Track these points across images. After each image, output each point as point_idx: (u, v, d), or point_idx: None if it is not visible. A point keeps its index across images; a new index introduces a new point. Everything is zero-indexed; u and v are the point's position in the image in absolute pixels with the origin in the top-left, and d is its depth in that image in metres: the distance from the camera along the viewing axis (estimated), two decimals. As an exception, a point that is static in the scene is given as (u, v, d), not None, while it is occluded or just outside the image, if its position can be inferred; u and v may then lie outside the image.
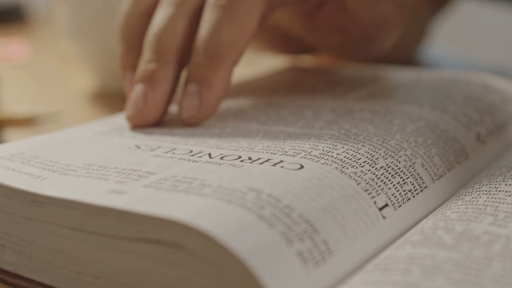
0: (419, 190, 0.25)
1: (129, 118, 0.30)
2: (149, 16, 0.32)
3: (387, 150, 0.26)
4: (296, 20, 0.37)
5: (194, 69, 0.30)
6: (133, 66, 0.32)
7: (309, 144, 0.26)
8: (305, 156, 0.24)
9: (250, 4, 0.30)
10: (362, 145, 0.25)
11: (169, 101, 0.31)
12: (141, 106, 0.30)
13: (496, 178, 0.25)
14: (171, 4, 0.31)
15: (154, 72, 0.30)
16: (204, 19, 0.30)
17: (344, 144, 0.25)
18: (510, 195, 0.23)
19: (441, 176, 0.26)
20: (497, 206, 0.23)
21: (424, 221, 0.23)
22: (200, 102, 0.29)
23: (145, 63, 0.30)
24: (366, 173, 0.24)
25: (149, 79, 0.30)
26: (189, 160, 0.25)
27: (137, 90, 0.30)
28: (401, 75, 0.38)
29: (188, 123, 0.30)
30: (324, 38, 0.38)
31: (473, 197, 0.24)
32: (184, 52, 0.31)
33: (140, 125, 0.30)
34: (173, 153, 0.26)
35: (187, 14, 0.31)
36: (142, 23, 0.32)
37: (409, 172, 0.25)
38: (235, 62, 0.30)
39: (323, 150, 0.25)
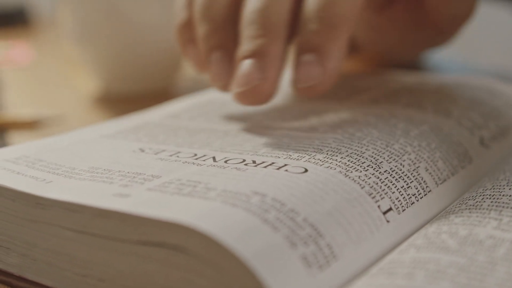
0: (423, 194, 0.25)
1: (242, 95, 0.28)
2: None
3: (391, 154, 0.26)
4: (363, 14, 0.36)
5: (310, 38, 0.29)
6: (221, 46, 0.31)
7: (313, 147, 0.26)
8: (309, 159, 0.24)
9: None
10: (366, 149, 0.26)
11: (280, 77, 0.30)
12: (256, 81, 0.28)
13: (500, 182, 0.25)
14: None
15: (266, 47, 0.28)
16: None
17: (348, 148, 0.25)
18: (514, 200, 0.23)
19: (445, 180, 0.26)
20: (501, 211, 0.23)
21: (428, 225, 0.23)
22: (323, 71, 0.28)
23: (252, 38, 0.29)
24: (370, 177, 0.24)
25: (262, 54, 0.28)
26: (194, 163, 0.25)
27: (248, 65, 0.28)
28: (405, 79, 0.38)
29: (307, 93, 0.29)
30: (385, 34, 0.37)
31: (477, 201, 0.24)
32: (289, 28, 0.30)
33: (255, 102, 0.28)
34: (178, 156, 0.26)
35: None
36: (226, 1, 0.31)
37: (413, 176, 0.25)
38: (349, 34, 0.29)
39: (327, 153, 0.25)
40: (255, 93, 0.28)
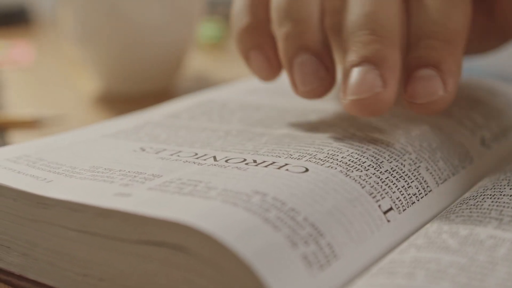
0: (423, 194, 0.25)
1: (361, 104, 0.26)
2: None
3: (392, 153, 0.26)
4: None
5: (427, 53, 0.27)
6: (309, 48, 0.28)
7: (314, 147, 0.26)
8: (310, 159, 0.24)
9: None
10: (367, 149, 0.26)
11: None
12: (378, 88, 0.26)
13: (501, 182, 0.25)
14: None
15: (382, 53, 0.27)
16: (421, 3, 0.28)
17: (349, 148, 0.25)
18: (514, 199, 0.23)
19: (445, 180, 0.26)
20: (501, 210, 0.23)
21: (428, 225, 0.23)
22: (444, 87, 0.27)
23: (365, 44, 0.27)
24: (371, 177, 0.24)
25: (379, 61, 0.26)
26: (194, 162, 0.25)
27: (365, 71, 0.26)
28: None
29: (426, 110, 0.27)
30: None
31: (477, 201, 0.24)
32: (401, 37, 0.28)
33: (375, 111, 0.26)
34: (178, 155, 0.26)
35: None
36: (316, 1, 0.29)
37: (414, 176, 0.25)
38: (464, 47, 0.28)
39: (328, 153, 0.25)
40: (376, 101, 0.26)
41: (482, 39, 0.35)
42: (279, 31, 0.29)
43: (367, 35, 0.27)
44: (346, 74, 0.27)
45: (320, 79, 0.28)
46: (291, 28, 0.29)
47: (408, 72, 0.27)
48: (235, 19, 0.32)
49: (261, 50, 0.31)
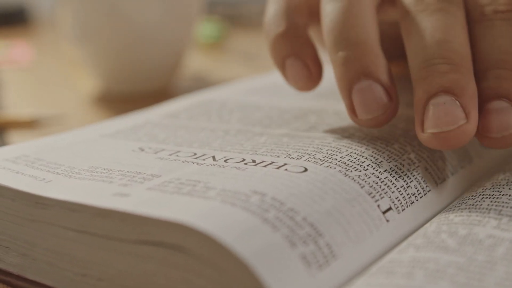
0: (422, 193, 0.25)
1: (441, 136, 0.25)
2: (375, 14, 0.28)
3: (391, 153, 0.26)
4: None
5: (497, 85, 0.26)
6: (367, 74, 0.27)
7: (313, 147, 0.26)
8: (309, 159, 0.24)
9: None
10: (366, 149, 0.26)
11: None
12: (461, 120, 0.24)
13: (500, 182, 0.25)
14: (443, 11, 0.27)
15: (462, 82, 0.25)
16: (486, 30, 0.27)
17: (348, 148, 0.25)
18: (513, 199, 0.23)
19: (444, 180, 0.26)
20: (500, 210, 0.23)
21: (427, 225, 0.23)
22: None
23: (441, 73, 0.25)
24: (370, 177, 0.24)
25: (460, 91, 0.25)
26: (193, 162, 0.25)
27: (446, 102, 0.25)
28: (404, 79, 0.38)
29: (500, 144, 0.25)
30: None
31: (476, 201, 0.24)
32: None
33: (457, 144, 0.25)
34: (177, 155, 0.26)
35: (464, 22, 0.27)
36: (372, 22, 0.28)
37: (413, 176, 0.25)
38: None
39: (327, 153, 0.25)
40: (459, 134, 0.24)
41: None
42: (336, 55, 0.27)
43: (443, 64, 0.26)
44: (422, 105, 0.25)
45: (383, 107, 0.26)
46: (351, 52, 0.27)
47: (480, 104, 0.26)
48: (269, 25, 0.30)
49: (298, 57, 0.29)
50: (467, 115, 0.24)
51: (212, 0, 0.80)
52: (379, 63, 0.27)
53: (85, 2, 0.48)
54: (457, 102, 0.25)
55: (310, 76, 0.29)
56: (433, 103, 0.25)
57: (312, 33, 0.33)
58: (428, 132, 0.25)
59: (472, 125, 0.25)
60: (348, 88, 0.27)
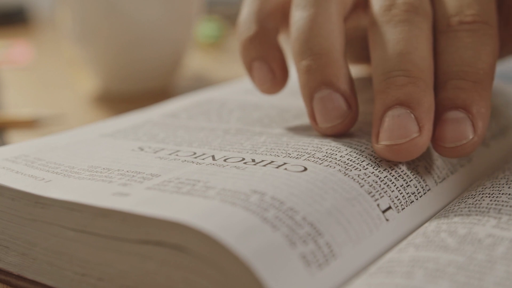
0: (422, 193, 0.25)
1: (394, 149, 0.25)
2: (342, 24, 0.29)
3: (391, 152, 0.26)
4: None
5: (457, 95, 0.26)
6: (327, 83, 0.27)
7: (313, 146, 0.26)
8: (309, 158, 0.24)
9: (495, 29, 0.28)
10: (366, 148, 0.26)
11: None
12: (414, 133, 0.25)
13: (499, 181, 0.25)
14: (408, 22, 0.27)
15: (418, 95, 0.25)
16: (450, 42, 0.27)
17: (347, 147, 0.25)
18: (513, 198, 0.23)
19: (444, 179, 0.26)
20: (500, 209, 0.23)
21: (427, 224, 0.23)
22: (474, 130, 0.25)
23: (399, 86, 0.26)
24: (370, 176, 0.24)
25: (415, 104, 0.25)
26: (193, 162, 0.25)
27: (400, 115, 0.25)
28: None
29: (451, 155, 0.26)
30: None
31: (476, 200, 0.24)
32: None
33: (408, 157, 0.25)
34: (177, 155, 0.26)
35: (429, 35, 0.28)
36: (337, 32, 0.28)
37: (412, 175, 0.25)
38: (491, 89, 0.27)
39: (326, 152, 0.25)
40: (411, 147, 0.25)
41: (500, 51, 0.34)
42: (300, 64, 0.28)
43: (401, 77, 0.26)
44: (379, 117, 0.26)
45: (342, 115, 0.27)
46: (313, 61, 0.27)
47: (437, 114, 0.26)
48: (240, 27, 0.31)
49: (265, 61, 0.30)
50: (420, 128, 0.25)
51: (212, 0, 0.80)
52: (340, 73, 0.27)
53: (84, 1, 0.48)
54: (412, 115, 0.25)
55: (274, 80, 0.30)
56: (389, 115, 0.25)
57: (286, 37, 0.33)
58: (381, 143, 0.25)
59: (424, 138, 0.25)
60: (309, 96, 0.27)
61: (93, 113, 0.46)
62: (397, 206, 0.23)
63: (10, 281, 0.24)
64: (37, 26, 1.00)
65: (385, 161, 0.25)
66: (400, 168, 0.25)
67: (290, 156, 0.25)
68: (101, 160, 0.26)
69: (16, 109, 0.48)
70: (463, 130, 0.25)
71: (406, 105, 0.25)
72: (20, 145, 0.29)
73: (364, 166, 0.24)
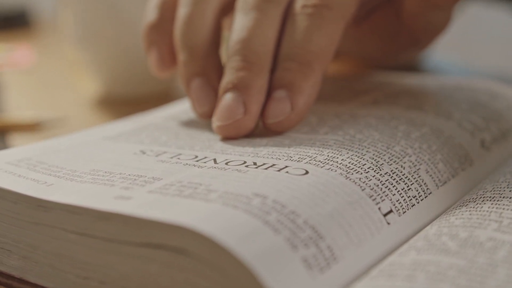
0: (423, 196, 0.25)
1: (222, 129, 0.28)
2: (216, 20, 0.32)
3: (392, 156, 0.26)
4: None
5: (284, 75, 0.29)
6: (201, 73, 0.31)
7: (314, 149, 0.26)
8: (310, 161, 0.24)
9: (337, 13, 0.29)
10: (367, 151, 0.26)
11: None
12: (238, 115, 0.28)
13: (501, 185, 0.25)
14: (257, 10, 0.30)
15: (248, 80, 0.28)
16: (291, 25, 0.30)
17: (349, 150, 0.25)
18: (514, 202, 0.23)
19: (445, 182, 0.26)
20: (501, 213, 0.23)
21: (428, 227, 0.23)
22: (291, 107, 0.28)
23: (235, 70, 0.29)
24: (371, 179, 0.24)
25: (244, 88, 0.28)
26: (195, 165, 0.25)
27: (230, 98, 0.28)
28: (406, 81, 0.38)
29: (274, 129, 0.28)
30: (363, 44, 0.37)
31: (477, 204, 0.24)
32: (273, 60, 0.30)
33: (235, 135, 0.28)
34: (178, 158, 0.26)
35: (275, 21, 0.30)
36: (208, 29, 0.32)
37: (414, 178, 0.25)
38: (324, 70, 0.29)
39: (328, 155, 0.25)
40: (236, 127, 0.28)
41: (393, 43, 0.36)
42: (179, 57, 0.32)
43: (238, 61, 0.29)
44: (219, 99, 0.29)
45: (212, 101, 0.30)
46: (186, 55, 0.31)
47: (269, 94, 0.29)
48: (145, 14, 0.35)
49: (156, 47, 0.33)
50: (246, 110, 0.28)
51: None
52: (209, 64, 0.31)
53: (86, 4, 0.48)
54: (241, 98, 0.28)
55: (162, 64, 0.34)
56: (223, 98, 0.29)
57: None
58: (215, 124, 0.28)
59: (249, 120, 0.28)
60: (186, 86, 0.31)
61: (95, 116, 0.46)
62: (398, 209, 0.23)
63: (12, 284, 0.24)
64: (39, 30, 1.00)
65: (387, 165, 0.25)
66: (401, 172, 0.25)
67: (292, 159, 0.25)
68: (103, 163, 0.26)
69: (18, 112, 0.48)
70: (282, 107, 0.28)
71: (237, 88, 0.28)
72: (23, 148, 0.29)
73: (365, 170, 0.24)
